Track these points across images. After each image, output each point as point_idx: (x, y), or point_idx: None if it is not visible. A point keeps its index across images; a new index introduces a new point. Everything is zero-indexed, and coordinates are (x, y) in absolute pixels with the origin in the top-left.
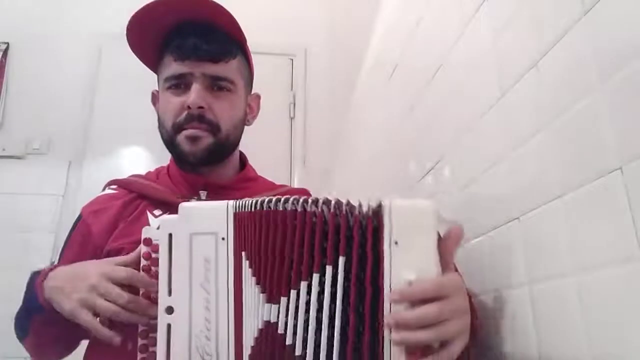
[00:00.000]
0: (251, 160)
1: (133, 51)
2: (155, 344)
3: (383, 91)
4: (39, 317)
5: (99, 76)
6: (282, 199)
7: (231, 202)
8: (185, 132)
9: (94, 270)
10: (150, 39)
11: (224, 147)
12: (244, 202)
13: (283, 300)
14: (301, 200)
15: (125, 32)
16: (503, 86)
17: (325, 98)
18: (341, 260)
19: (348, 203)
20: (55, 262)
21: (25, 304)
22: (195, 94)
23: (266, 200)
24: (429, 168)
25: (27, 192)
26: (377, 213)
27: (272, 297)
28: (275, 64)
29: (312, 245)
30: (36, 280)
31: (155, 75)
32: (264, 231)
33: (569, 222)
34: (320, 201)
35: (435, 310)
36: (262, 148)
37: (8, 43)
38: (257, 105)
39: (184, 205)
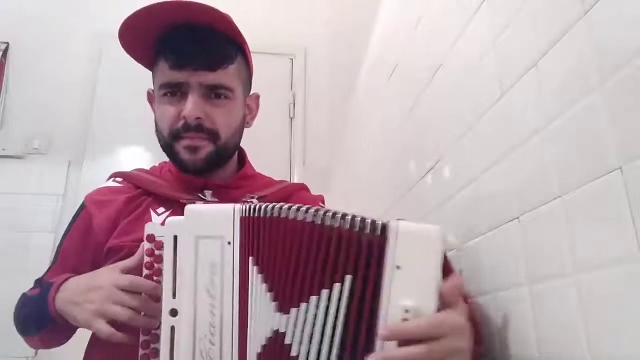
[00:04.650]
0: (251, 160)
1: (127, 53)
2: (156, 341)
3: (383, 91)
4: (50, 327)
5: (99, 76)
6: (295, 207)
7: (238, 206)
8: (184, 142)
9: (106, 281)
10: (143, 42)
11: (224, 154)
12: (251, 207)
13: (293, 311)
14: (313, 210)
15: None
16: (503, 86)
17: (325, 98)
18: (348, 278)
19: (362, 220)
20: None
21: (37, 312)
22: (191, 106)
23: (276, 206)
24: (429, 168)
25: (27, 192)
26: (383, 234)
27: (283, 307)
28: (275, 64)
29: (325, 261)
30: (50, 291)
31: None
32: (276, 238)
33: (569, 222)
34: (339, 215)
35: (424, 352)
36: (262, 148)
37: (8, 43)
38: (257, 105)
39: (190, 208)
